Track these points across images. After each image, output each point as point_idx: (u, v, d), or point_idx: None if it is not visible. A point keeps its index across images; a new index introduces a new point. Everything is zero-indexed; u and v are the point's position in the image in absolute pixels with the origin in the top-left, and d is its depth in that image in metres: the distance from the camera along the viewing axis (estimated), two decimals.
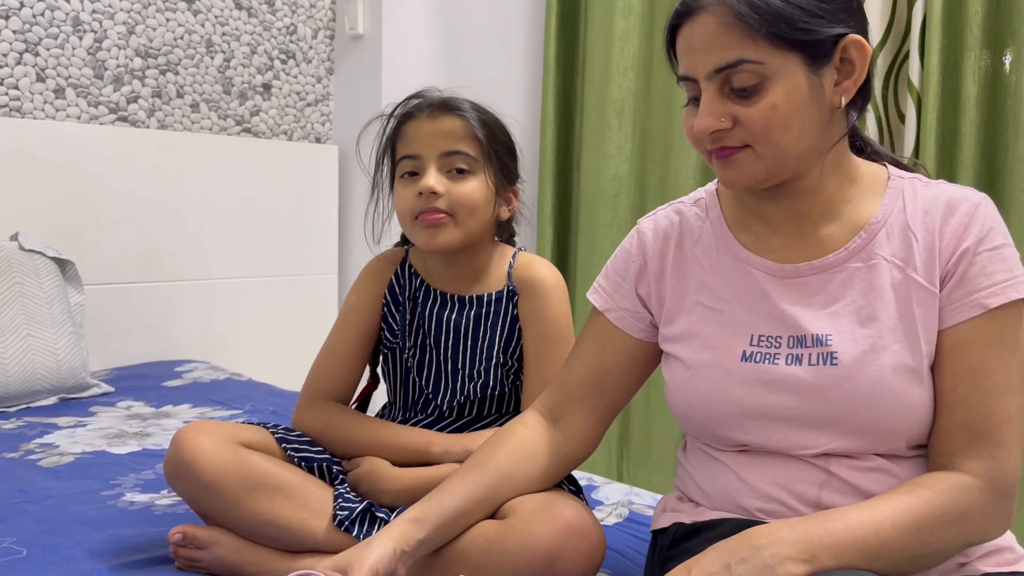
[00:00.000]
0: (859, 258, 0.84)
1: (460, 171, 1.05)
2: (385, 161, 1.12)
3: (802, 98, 0.80)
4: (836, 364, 0.81)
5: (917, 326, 0.81)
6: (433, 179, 1.04)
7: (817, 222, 0.87)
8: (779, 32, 0.78)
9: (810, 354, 0.83)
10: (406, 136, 1.08)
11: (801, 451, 0.84)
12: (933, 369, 0.82)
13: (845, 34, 0.81)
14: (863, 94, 0.86)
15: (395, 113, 1.11)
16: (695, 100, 0.85)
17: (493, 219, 1.11)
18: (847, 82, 0.82)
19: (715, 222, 0.93)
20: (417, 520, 0.86)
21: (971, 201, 0.83)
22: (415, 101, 1.10)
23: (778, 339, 0.85)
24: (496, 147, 1.08)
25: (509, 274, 1.11)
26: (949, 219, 0.82)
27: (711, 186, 0.97)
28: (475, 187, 1.06)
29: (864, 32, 0.83)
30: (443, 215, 1.05)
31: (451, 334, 1.11)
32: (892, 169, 0.89)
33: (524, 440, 0.95)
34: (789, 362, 0.83)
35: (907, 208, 0.85)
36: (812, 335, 0.83)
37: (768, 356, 0.85)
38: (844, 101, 0.83)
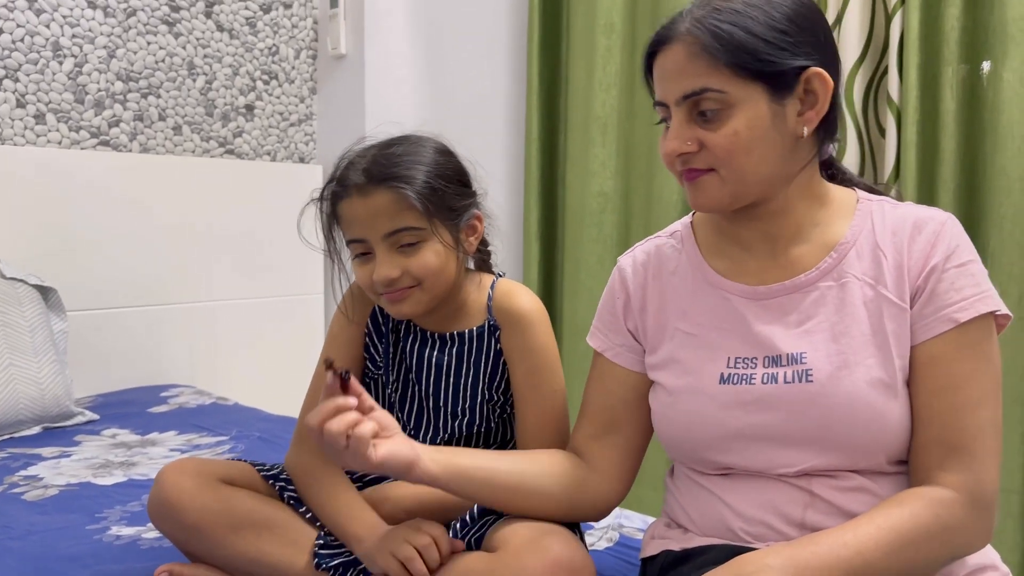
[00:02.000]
0: (831, 277, 0.87)
1: (409, 244, 0.98)
2: (334, 235, 1.06)
3: (764, 126, 0.83)
4: (811, 380, 0.83)
5: (889, 341, 0.83)
6: (385, 267, 0.98)
7: (788, 244, 0.90)
8: (741, 63, 0.82)
9: (785, 372, 0.85)
10: (344, 218, 1.02)
11: (783, 469, 0.85)
12: (909, 385, 0.84)
13: (808, 67, 0.84)
14: (829, 124, 0.89)
15: (324, 195, 1.04)
16: (667, 123, 0.89)
17: (461, 262, 1.05)
18: (810, 112, 0.85)
19: (690, 252, 0.96)
20: (432, 457, 0.90)
21: (937, 220, 0.86)
22: (340, 181, 1.01)
23: (754, 360, 0.87)
24: (439, 200, 0.99)
25: (489, 307, 1.07)
26: (917, 237, 0.85)
27: (687, 219, 1.00)
28: (430, 254, 0.99)
29: (830, 65, 0.86)
30: (406, 289, 1.00)
31: (431, 371, 1.08)
32: (861, 193, 0.93)
33: (542, 453, 0.99)
34: (765, 380, 0.86)
35: (876, 228, 0.88)
36: (787, 354, 0.85)
37: (745, 377, 0.87)
38: (807, 131, 0.85)
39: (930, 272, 0.83)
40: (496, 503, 0.95)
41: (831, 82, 0.84)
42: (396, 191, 0.97)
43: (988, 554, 0.86)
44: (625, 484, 0.98)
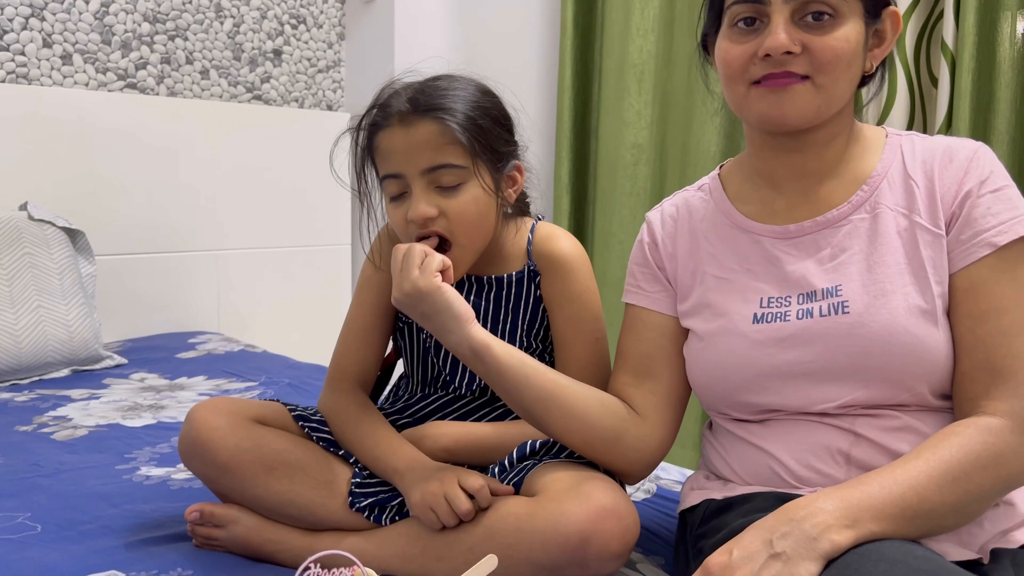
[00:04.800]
0: (863, 209, 0.86)
1: (449, 188, 0.93)
2: (366, 173, 1.00)
3: (860, 42, 0.84)
4: (847, 312, 0.82)
5: (926, 268, 0.82)
6: (422, 205, 0.92)
7: (820, 180, 0.89)
8: None
9: (820, 306, 0.84)
10: (381, 151, 0.96)
11: (822, 406, 0.83)
12: (949, 313, 0.82)
13: (888, 4, 0.85)
14: (880, 71, 0.90)
15: (363, 124, 0.98)
16: (746, 21, 0.84)
17: (500, 213, 1.00)
18: (877, 50, 0.86)
19: (719, 200, 0.95)
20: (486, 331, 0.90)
21: (969, 148, 0.85)
22: (382, 108, 0.96)
23: (787, 298, 0.86)
24: (485, 140, 0.94)
25: (529, 251, 1.02)
26: (948, 165, 0.84)
27: (714, 171, 0.99)
28: (469, 199, 0.94)
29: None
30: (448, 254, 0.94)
31: None
32: (890, 129, 0.92)
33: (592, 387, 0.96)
34: (800, 316, 0.84)
35: (906, 159, 0.87)
36: (822, 289, 0.84)
37: (779, 315, 0.85)
38: (872, 66, 0.86)
39: (964, 197, 0.82)
40: (535, 409, 0.90)
41: (901, 25, 0.85)
42: (442, 123, 0.92)
43: None
44: (668, 431, 0.95)
